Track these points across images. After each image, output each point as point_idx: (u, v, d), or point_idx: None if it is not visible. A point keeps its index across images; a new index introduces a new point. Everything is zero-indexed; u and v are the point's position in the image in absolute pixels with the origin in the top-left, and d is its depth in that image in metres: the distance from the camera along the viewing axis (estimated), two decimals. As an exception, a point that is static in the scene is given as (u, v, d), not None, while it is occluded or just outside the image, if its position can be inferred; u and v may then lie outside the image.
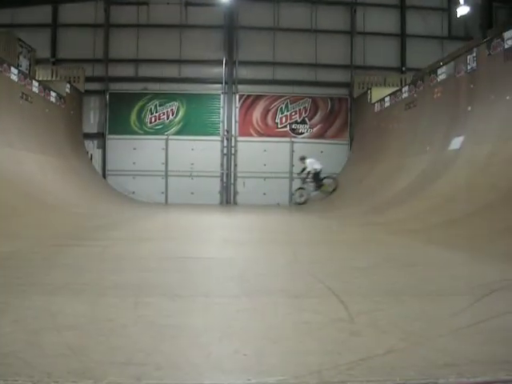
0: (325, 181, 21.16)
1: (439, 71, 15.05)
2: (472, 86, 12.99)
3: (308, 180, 21.27)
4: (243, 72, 25.00)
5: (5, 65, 15.16)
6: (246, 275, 4.82)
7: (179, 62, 24.90)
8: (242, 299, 3.73)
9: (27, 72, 18.49)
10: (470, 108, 12.85)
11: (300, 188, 21.99)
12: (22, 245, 6.80)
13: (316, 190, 21.42)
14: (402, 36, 25.25)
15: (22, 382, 2.02)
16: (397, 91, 18.91)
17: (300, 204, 21.41)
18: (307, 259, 6.07)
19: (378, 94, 21.17)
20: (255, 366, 2.31)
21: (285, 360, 2.39)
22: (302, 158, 21.37)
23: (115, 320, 3.05)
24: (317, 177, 21.03)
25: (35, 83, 17.74)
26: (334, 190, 20.83)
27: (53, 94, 19.40)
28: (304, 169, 21.13)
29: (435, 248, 6.94)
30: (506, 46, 11.57)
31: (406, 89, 17.97)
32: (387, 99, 19.59)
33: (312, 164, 20.96)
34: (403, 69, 25.08)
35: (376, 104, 20.82)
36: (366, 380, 2.10)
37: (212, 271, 5.13)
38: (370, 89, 22.21)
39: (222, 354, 2.48)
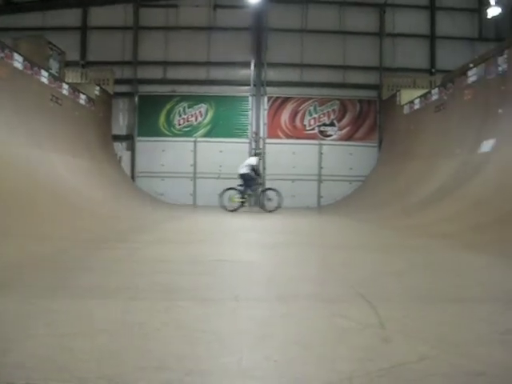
0: (268, 192, 18.92)
1: (469, 73, 14.87)
2: (503, 88, 12.80)
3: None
4: (271, 74, 24.95)
5: (35, 68, 15.32)
6: (275, 279, 4.82)
7: (208, 64, 24.94)
8: (272, 303, 3.73)
9: (57, 75, 18.69)
10: (501, 110, 12.68)
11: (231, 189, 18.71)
12: (53, 247, 6.87)
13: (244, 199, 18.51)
14: (432, 37, 24.99)
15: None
16: (426, 93, 18.73)
17: (230, 211, 18.05)
18: (337, 263, 6.04)
19: (407, 96, 20.97)
20: (286, 372, 2.30)
21: (316, 367, 2.38)
22: (257, 154, 19.49)
23: (147, 324, 3.07)
24: (248, 181, 18.36)
25: (65, 86, 17.90)
26: (273, 209, 18.11)
27: (82, 96, 19.57)
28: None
29: (467, 253, 6.85)
30: (539, 48, 11.42)
31: (435, 91, 17.79)
32: (417, 101, 19.41)
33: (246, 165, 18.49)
34: (433, 70, 24.80)
35: (405, 106, 20.63)
36: (398, 388, 2.08)
37: (241, 275, 5.13)
38: (399, 91, 21.99)
39: (253, 360, 2.48)
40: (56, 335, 2.80)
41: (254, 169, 18.37)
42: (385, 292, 4.23)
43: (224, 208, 18.16)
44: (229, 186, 18.74)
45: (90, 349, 2.56)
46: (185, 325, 3.06)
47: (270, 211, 18.00)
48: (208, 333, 2.90)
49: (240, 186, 18.41)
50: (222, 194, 18.46)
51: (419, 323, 3.21)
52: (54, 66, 19.37)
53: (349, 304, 3.71)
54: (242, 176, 18.30)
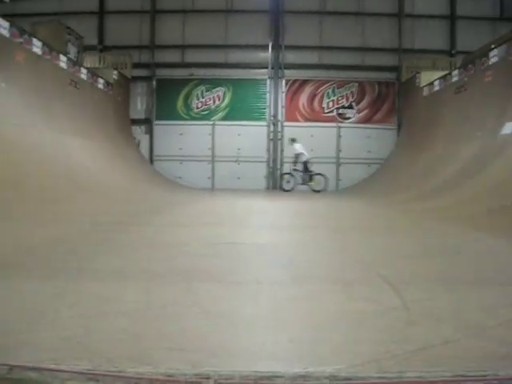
0: (316, 177, 21.48)
1: (491, 54, 14.67)
2: (525, 68, 12.65)
3: (297, 168, 21.47)
4: (289, 57, 24.77)
5: (54, 53, 15.37)
6: (295, 262, 4.81)
7: (225, 47, 24.79)
8: (293, 286, 3.72)
9: (75, 59, 18.72)
10: (522, 91, 12.52)
11: (287, 173, 22.26)
12: (74, 230, 6.91)
13: (303, 183, 21.54)
14: (452, 18, 24.56)
15: (83, 367, 2.03)
16: (446, 75, 18.51)
17: (286, 191, 21.38)
18: (356, 246, 6.02)
19: (426, 77, 20.72)
20: (310, 354, 2.29)
21: (339, 349, 2.36)
22: (293, 140, 21.66)
23: (169, 306, 3.08)
24: (305, 167, 21.23)
25: (83, 70, 17.97)
26: (320, 190, 20.99)
27: (100, 80, 19.62)
28: (297, 155, 21.29)
29: (487, 236, 6.76)
30: (562, 28, 11.23)
31: (455, 72, 17.57)
32: (436, 83, 19.19)
33: (300, 149, 21.23)
34: (453, 52, 24.42)
35: (425, 88, 20.41)
36: (425, 371, 2.05)
37: (261, 257, 5.13)
38: (419, 72, 21.73)
39: (276, 342, 2.47)
40: (81, 317, 2.80)
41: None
42: (405, 274, 4.20)
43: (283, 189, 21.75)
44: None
45: (114, 330, 2.57)
46: (207, 307, 3.06)
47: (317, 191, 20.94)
48: (230, 315, 2.90)
49: (301, 170, 21.42)
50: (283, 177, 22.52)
51: (443, 306, 3.18)
52: (73, 50, 19.37)
53: (370, 286, 3.69)
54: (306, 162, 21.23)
